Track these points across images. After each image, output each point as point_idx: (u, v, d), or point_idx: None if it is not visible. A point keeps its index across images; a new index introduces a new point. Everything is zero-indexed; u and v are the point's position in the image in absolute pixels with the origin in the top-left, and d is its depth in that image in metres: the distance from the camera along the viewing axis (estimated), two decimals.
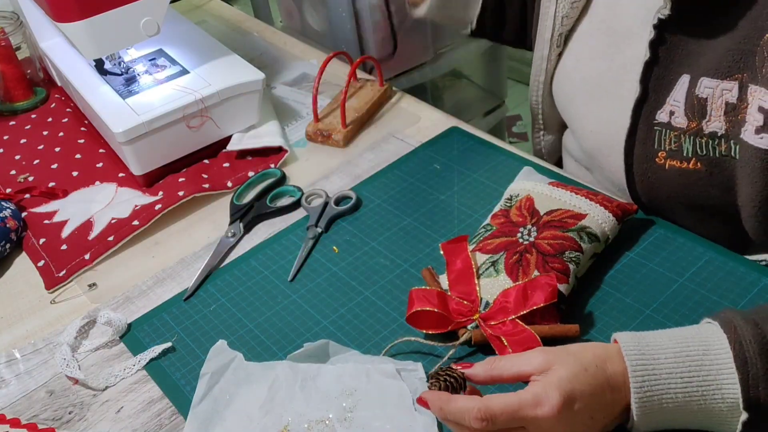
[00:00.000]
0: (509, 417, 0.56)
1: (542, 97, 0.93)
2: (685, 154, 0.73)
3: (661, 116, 0.75)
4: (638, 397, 0.58)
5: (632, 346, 0.59)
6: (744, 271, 0.76)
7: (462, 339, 0.71)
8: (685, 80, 0.72)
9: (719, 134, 0.70)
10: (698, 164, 0.71)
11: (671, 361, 0.58)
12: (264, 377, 0.71)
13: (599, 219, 0.78)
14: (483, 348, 0.72)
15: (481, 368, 0.61)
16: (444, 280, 0.78)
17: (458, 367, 0.61)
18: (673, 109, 0.73)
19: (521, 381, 0.60)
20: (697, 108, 0.71)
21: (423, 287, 0.75)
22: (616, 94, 0.81)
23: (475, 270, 0.76)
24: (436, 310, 0.72)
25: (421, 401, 0.61)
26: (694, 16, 0.71)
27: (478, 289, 0.75)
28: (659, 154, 0.75)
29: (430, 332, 0.73)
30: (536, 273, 0.74)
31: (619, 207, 0.80)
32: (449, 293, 0.75)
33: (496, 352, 0.69)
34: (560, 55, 0.88)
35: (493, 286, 0.74)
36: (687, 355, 0.58)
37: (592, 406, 0.58)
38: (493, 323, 0.71)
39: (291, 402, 0.69)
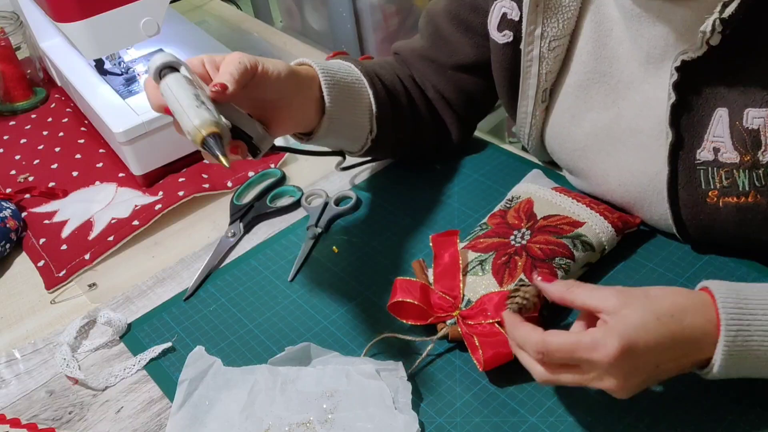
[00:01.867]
0: (565, 355, 0.58)
1: (531, 147, 0.91)
2: (741, 189, 0.70)
3: (703, 154, 0.71)
4: (726, 350, 0.58)
5: (729, 298, 0.59)
6: (745, 270, 0.76)
7: (439, 334, 0.72)
8: (721, 113, 0.69)
9: None
10: (758, 197, 0.69)
11: None
12: (243, 382, 0.71)
13: (597, 228, 0.77)
14: (461, 344, 0.72)
15: (557, 289, 0.63)
16: (432, 274, 0.78)
17: (538, 278, 0.64)
18: (717, 145, 0.70)
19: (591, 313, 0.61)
20: (748, 140, 0.68)
21: (409, 278, 0.75)
22: (636, 144, 0.77)
23: (462, 267, 0.76)
24: (416, 302, 0.72)
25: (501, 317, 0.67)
26: (726, 54, 0.67)
27: (462, 285, 0.74)
28: (710, 194, 0.72)
29: (410, 323, 0.73)
30: (522, 276, 0.73)
31: (620, 219, 0.79)
32: (433, 287, 0.75)
33: (470, 351, 0.69)
34: (547, 108, 0.86)
35: (477, 285, 0.74)
36: None
37: (658, 356, 0.58)
38: (471, 323, 0.71)
39: (271, 406, 0.69)
